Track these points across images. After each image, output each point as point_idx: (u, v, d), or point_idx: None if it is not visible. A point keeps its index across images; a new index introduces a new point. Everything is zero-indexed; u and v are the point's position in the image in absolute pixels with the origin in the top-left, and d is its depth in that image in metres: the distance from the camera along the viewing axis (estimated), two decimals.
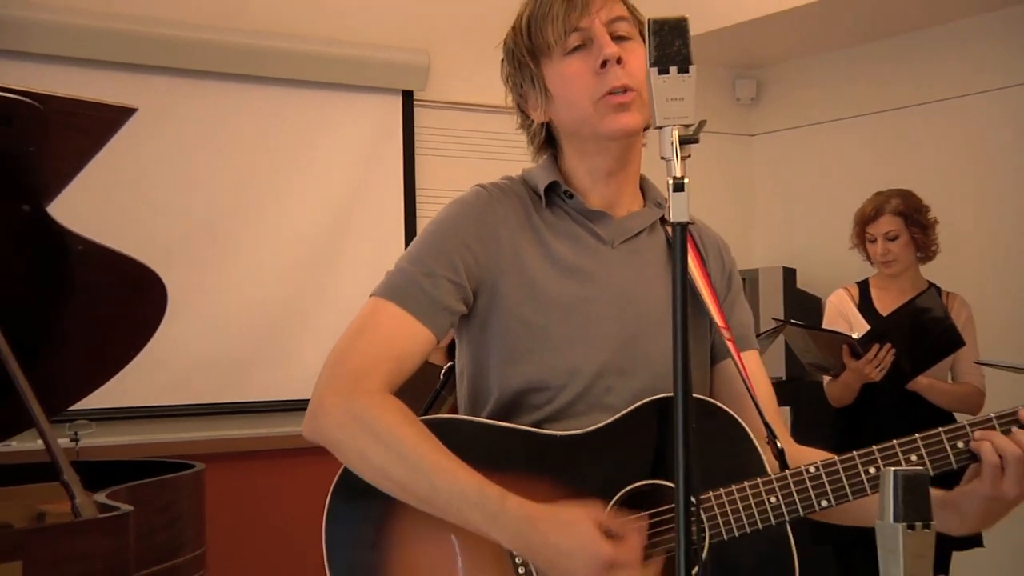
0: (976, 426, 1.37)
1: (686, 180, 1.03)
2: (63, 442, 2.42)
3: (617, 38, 1.42)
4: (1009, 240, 4.28)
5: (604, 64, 1.39)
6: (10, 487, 2.40)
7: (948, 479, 1.37)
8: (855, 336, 3.26)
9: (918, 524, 1.00)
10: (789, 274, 4.60)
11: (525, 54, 1.46)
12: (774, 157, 5.22)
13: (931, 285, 3.45)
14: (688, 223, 1.03)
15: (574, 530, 1.25)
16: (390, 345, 1.38)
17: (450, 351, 1.59)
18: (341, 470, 1.38)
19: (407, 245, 4.68)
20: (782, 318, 3.89)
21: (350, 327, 1.41)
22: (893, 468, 1.02)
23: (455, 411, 1.57)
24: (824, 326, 3.50)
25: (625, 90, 1.40)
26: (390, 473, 1.31)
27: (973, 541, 3.15)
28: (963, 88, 4.42)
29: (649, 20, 1.08)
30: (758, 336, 3.70)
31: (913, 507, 1.01)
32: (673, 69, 1.05)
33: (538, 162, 1.54)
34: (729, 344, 1.49)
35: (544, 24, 1.43)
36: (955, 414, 3.31)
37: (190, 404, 3.87)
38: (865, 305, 3.45)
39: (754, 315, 4.70)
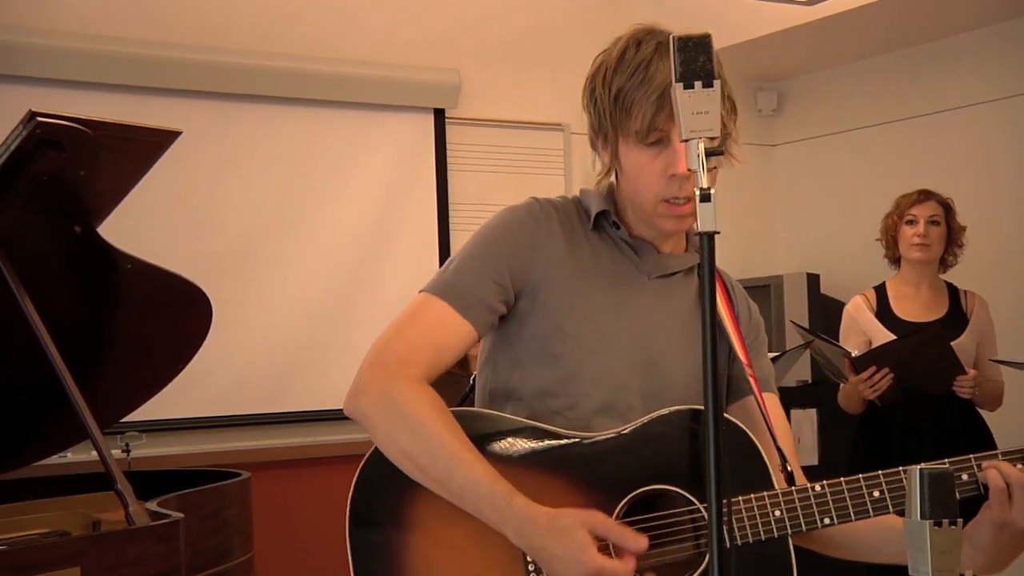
0: (982, 459, 1.40)
1: (712, 191, 1.06)
2: (115, 453, 2.49)
3: None
4: None
5: (674, 175, 1.43)
6: (67, 496, 2.48)
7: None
8: (855, 354, 3.29)
9: (945, 521, 1.03)
10: (813, 280, 4.61)
11: (607, 117, 1.47)
12: (795, 166, 5.25)
13: (948, 286, 3.46)
14: (715, 232, 1.07)
15: (567, 536, 1.30)
16: (433, 337, 1.45)
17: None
18: (365, 457, 1.44)
19: (441, 257, 4.75)
20: (800, 324, 3.91)
21: (398, 317, 1.49)
22: (919, 466, 1.04)
23: None
24: (840, 335, 3.52)
25: (687, 200, 1.44)
26: (411, 454, 1.38)
27: None
28: (980, 96, 4.44)
29: (673, 37, 1.12)
30: (788, 351, 3.70)
31: (939, 504, 1.03)
32: (698, 84, 1.09)
33: (597, 185, 1.58)
34: (751, 380, 1.53)
35: (631, 108, 1.42)
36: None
37: (235, 415, 3.95)
38: (883, 311, 3.46)
39: (779, 321, 4.66)
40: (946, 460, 1.39)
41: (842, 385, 3.43)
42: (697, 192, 1.07)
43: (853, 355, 3.29)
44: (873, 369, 3.22)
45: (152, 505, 2.17)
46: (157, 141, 2.23)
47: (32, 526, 2.27)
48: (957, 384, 3.24)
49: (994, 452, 1.41)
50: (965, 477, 1.39)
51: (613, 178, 1.57)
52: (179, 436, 3.81)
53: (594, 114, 1.52)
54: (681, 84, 1.09)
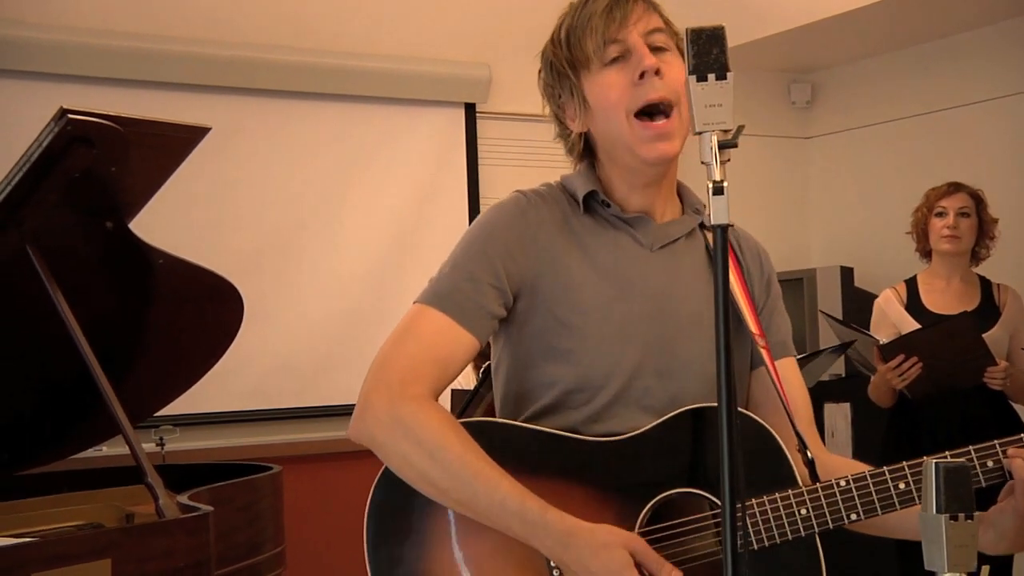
0: (1006, 444, 1.38)
1: (725, 184, 1.06)
2: (149, 447, 2.53)
3: (655, 49, 1.43)
4: None
5: (642, 76, 1.41)
6: (101, 489, 2.52)
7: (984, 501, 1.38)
8: (882, 341, 3.25)
9: (961, 515, 1.02)
10: (847, 273, 4.58)
11: (564, 65, 1.47)
12: (829, 159, 5.21)
13: (980, 279, 3.42)
14: (728, 225, 1.06)
15: (606, 553, 1.27)
16: (435, 350, 1.39)
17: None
18: (384, 468, 1.41)
19: None
20: (831, 314, 3.87)
21: (395, 331, 1.42)
22: (935, 459, 1.03)
23: (491, 409, 1.59)
24: (871, 329, 3.48)
25: (663, 110, 1.41)
26: (431, 478, 1.33)
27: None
28: (1018, 86, 4.37)
29: (687, 29, 1.11)
30: (825, 351, 3.67)
31: (956, 498, 1.02)
32: (711, 76, 1.08)
33: (576, 169, 1.56)
34: (763, 352, 1.49)
35: (583, 36, 1.44)
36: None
37: (268, 409, 4.01)
38: (913, 304, 3.43)
39: (812, 314, 4.62)
40: (970, 447, 1.38)
41: (872, 378, 3.40)
42: (710, 185, 1.06)
43: (881, 343, 3.26)
44: (901, 357, 3.19)
45: (183, 498, 2.19)
46: (187, 137, 2.25)
47: (67, 518, 2.32)
48: (988, 375, 3.21)
49: (1017, 437, 1.38)
50: (991, 464, 1.37)
51: (587, 162, 1.54)
52: (212, 430, 3.86)
53: (552, 75, 1.50)
54: (694, 77, 1.08)
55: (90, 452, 2.78)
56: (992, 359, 3.19)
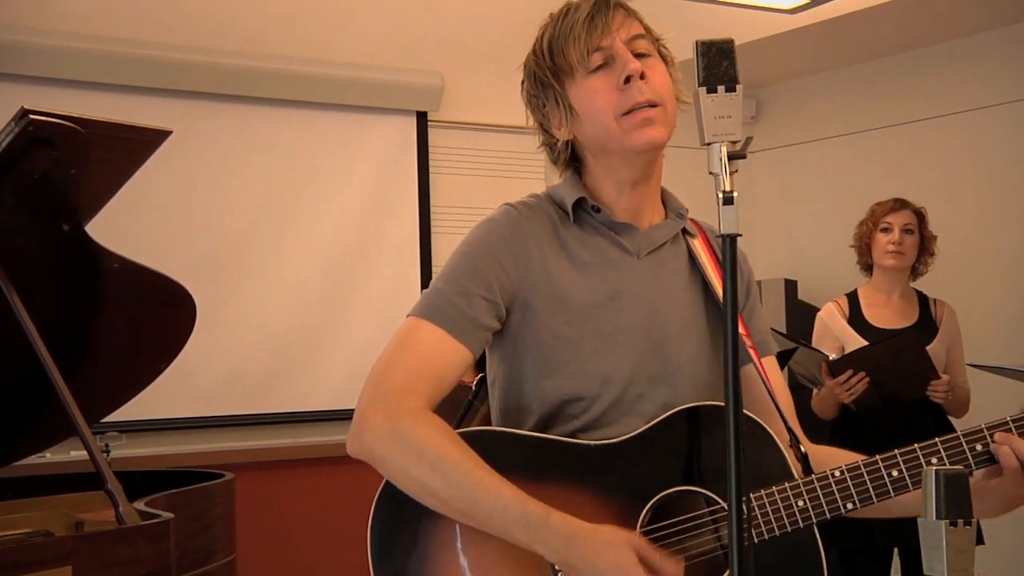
0: (993, 428, 1.42)
1: (735, 194, 1.08)
2: None
3: (637, 55, 1.45)
4: (1008, 251, 4.37)
5: (628, 80, 1.43)
6: (48, 496, 2.46)
7: None
8: (832, 357, 3.33)
9: (960, 521, 1.05)
10: (791, 286, 4.67)
11: (548, 75, 1.48)
12: (773, 173, 5.32)
13: (918, 294, 3.52)
14: (737, 235, 1.08)
15: (612, 551, 1.28)
16: (429, 363, 1.40)
17: (477, 363, 1.62)
18: (384, 481, 1.40)
19: (423, 260, 4.72)
20: (777, 330, 3.94)
21: (389, 346, 1.43)
22: (935, 468, 1.06)
23: (486, 421, 1.59)
24: (813, 342, 3.55)
25: (650, 104, 1.43)
26: (432, 489, 1.34)
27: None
28: (959, 105, 4.54)
29: (697, 42, 1.13)
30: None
31: (955, 504, 1.06)
32: (721, 88, 1.10)
33: (562, 178, 1.57)
34: (751, 351, 1.53)
35: (567, 45, 1.46)
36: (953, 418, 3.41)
37: (218, 416, 3.93)
38: (855, 317, 3.51)
39: None
40: (959, 432, 1.42)
41: (815, 391, 3.47)
42: (720, 195, 1.08)
43: (831, 358, 3.33)
44: (850, 372, 3.26)
45: (140, 505, 2.15)
46: (147, 140, 2.22)
47: (15, 526, 2.25)
48: (931, 388, 3.30)
49: (1004, 420, 1.42)
50: (979, 448, 1.41)
51: (572, 170, 1.55)
52: (161, 436, 3.79)
53: (536, 86, 1.51)
54: (704, 88, 1.10)
55: (33, 458, 2.69)
56: (936, 373, 3.29)
